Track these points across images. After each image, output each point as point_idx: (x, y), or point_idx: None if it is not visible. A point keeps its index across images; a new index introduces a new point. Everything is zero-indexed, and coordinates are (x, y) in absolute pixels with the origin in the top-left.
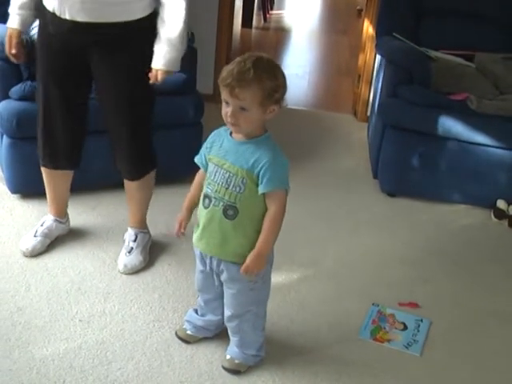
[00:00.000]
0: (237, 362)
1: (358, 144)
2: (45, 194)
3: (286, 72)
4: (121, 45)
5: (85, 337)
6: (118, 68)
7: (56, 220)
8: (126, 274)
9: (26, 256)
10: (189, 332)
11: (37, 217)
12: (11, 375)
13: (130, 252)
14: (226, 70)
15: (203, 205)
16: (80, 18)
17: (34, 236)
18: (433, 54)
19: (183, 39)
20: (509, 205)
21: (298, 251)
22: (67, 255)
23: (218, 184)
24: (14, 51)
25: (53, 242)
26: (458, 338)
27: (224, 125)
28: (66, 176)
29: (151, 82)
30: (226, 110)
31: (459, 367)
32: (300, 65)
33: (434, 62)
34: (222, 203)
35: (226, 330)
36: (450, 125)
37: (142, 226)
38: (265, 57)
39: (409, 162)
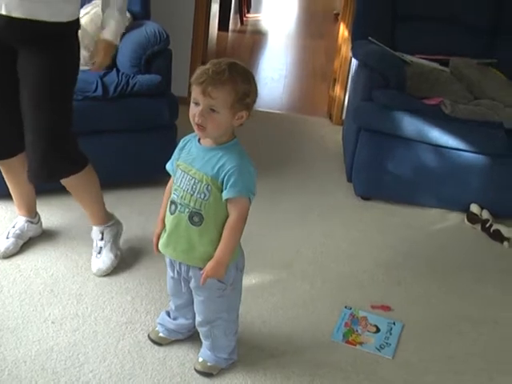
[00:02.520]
0: (209, 364)
1: (332, 147)
2: None
3: (261, 75)
4: (48, 45)
5: (57, 339)
6: (39, 67)
7: (27, 221)
8: (102, 276)
9: None
10: (161, 334)
11: (10, 218)
12: None
13: (99, 253)
14: (201, 70)
15: (169, 211)
16: (16, 14)
17: (6, 238)
18: (408, 58)
19: (125, 14)
20: (482, 209)
21: (270, 254)
22: (40, 257)
23: (184, 190)
24: None
25: (26, 244)
26: (430, 340)
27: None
28: (23, 171)
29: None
30: (195, 111)
31: (431, 370)
32: (276, 68)
33: (409, 66)
34: (187, 210)
35: (198, 332)
36: (425, 129)
37: (104, 221)
38: (239, 62)
39: (383, 166)
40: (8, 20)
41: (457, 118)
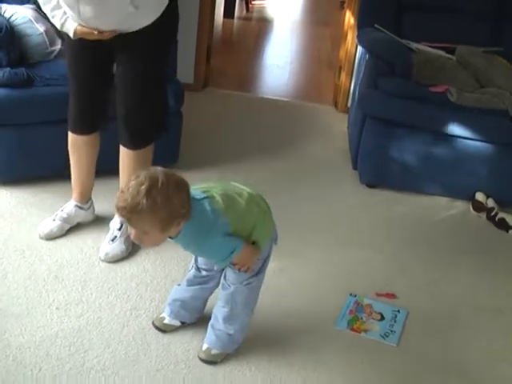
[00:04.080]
0: (213, 352)
1: (338, 135)
2: (23, 181)
3: (267, 62)
4: (144, 36)
5: (61, 325)
6: (137, 52)
7: (76, 206)
8: (107, 261)
9: (42, 239)
10: (166, 321)
11: (15, 204)
12: None
13: (113, 240)
14: (121, 198)
15: None
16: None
17: (53, 220)
18: (414, 46)
19: None
20: (487, 197)
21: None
22: (44, 243)
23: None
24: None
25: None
26: (434, 328)
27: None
28: (89, 152)
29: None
30: (130, 231)
31: (436, 357)
32: (281, 55)
33: (414, 54)
34: None
35: (202, 319)
36: (430, 117)
37: None
38: (160, 179)
39: (388, 154)
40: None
41: (463, 106)
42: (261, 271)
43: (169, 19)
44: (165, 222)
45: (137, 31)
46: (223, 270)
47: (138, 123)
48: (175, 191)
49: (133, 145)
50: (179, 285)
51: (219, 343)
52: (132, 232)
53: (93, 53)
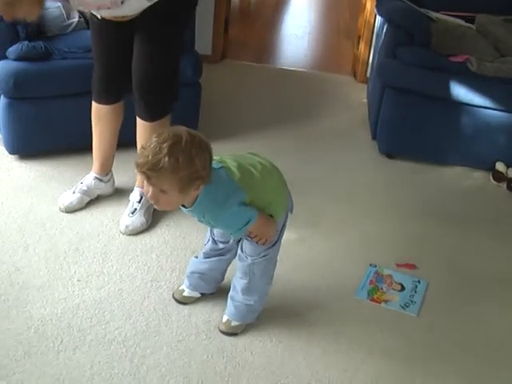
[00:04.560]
0: (233, 324)
1: (357, 105)
2: (43, 154)
3: (285, 32)
4: (160, 17)
5: (83, 296)
6: (153, 31)
7: (96, 178)
8: (127, 234)
9: (62, 211)
10: (185, 293)
11: (34, 177)
12: (9, 334)
13: (133, 213)
14: (142, 155)
15: None
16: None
17: (73, 193)
18: (433, 15)
19: None
20: (508, 167)
21: (295, 213)
22: (65, 216)
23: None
24: None
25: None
26: (455, 298)
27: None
28: (112, 122)
29: None
30: (147, 190)
31: (456, 328)
32: (300, 25)
33: (434, 23)
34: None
35: (222, 290)
36: (450, 87)
37: None
38: (184, 137)
39: (407, 124)
40: None
41: (483, 76)
42: (277, 241)
43: None
44: (184, 182)
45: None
46: (239, 241)
47: (153, 94)
48: (198, 151)
49: (149, 116)
50: (196, 257)
51: (239, 314)
52: (149, 190)
53: (116, 25)
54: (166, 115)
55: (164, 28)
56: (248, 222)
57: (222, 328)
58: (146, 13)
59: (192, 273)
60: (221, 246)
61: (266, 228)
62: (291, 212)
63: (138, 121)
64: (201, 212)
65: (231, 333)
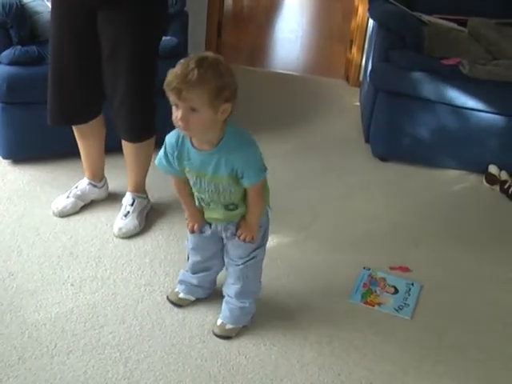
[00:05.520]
0: (228, 327)
1: (349, 109)
2: (36, 159)
3: (278, 36)
4: (130, 5)
5: (76, 301)
6: (123, 24)
7: (90, 183)
8: (121, 237)
9: (56, 216)
10: (181, 295)
11: (28, 182)
12: (3, 339)
13: (125, 216)
14: (171, 74)
15: (203, 205)
16: None
17: (67, 197)
18: (425, 18)
19: None
20: (500, 170)
21: (288, 215)
22: (58, 220)
23: (209, 191)
24: None
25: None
26: (448, 301)
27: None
28: (96, 134)
29: None
30: (176, 114)
31: (450, 331)
32: (292, 29)
33: (426, 26)
34: (220, 204)
35: (216, 293)
36: (442, 90)
37: (139, 191)
38: (210, 56)
39: (401, 127)
40: None
41: (475, 79)
42: (263, 242)
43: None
44: (215, 93)
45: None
46: (222, 254)
47: (137, 114)
48: (226, 70)
49: (135, 137)
50: (187, 271)
51: (233, 318)
52: (179, 113)
53: (78, 33)
54: (154, 133)
55: (135, 32)
56: (262, 170)
57: (217, 331)
58: (114, 13)
59: (183, 281)
60: (204, 264)
61: (256, 219)
62: (269, 207)
63: (124, 142)
64: (227, 151)
65: (225, 336)
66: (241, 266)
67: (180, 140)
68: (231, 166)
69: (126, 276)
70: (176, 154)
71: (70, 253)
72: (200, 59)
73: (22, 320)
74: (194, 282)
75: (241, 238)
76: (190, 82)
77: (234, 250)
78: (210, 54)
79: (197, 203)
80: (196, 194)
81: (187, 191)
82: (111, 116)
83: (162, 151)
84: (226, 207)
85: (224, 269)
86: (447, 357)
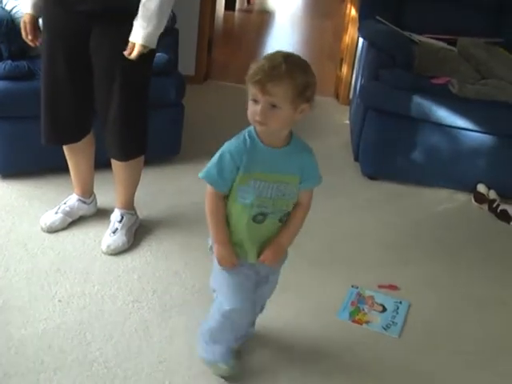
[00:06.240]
0: None
1: (339, 127)
2: (25, 174)
3: None
4: (122, 19)
5: (64, 317)
6: (115, 42)
7: (79, 200)
8: (109, 254)
9: (44, 231)
10: (231, 363)
11: (16, 197)
12: None
13: (114, 232)
14: (256, 66)
15: (254, 222)
16: None
17: (55, 213)
18: (416, 37)
19: (161, 15)
20: (489, 189)
21: None
22: (46, 236)
23: (273, 198)
24: (30, 37)
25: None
26: (436, 320)
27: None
28: (86, 152)
29: (126, 53)
30: (255, 109)
31: (438, 350)
32: (283, 48)
33: (416, 45)
34: (280, 214)
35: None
36: (432, 109)
37: (128, 208)
38: (295, 53)
39: (390, 146)
40: None
41: (464, 98)
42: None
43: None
44: (299, 90)
45: (116, 24)
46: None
47: (130, 130)
48: (310, 69)
49: (125, 156)
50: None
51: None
52: (258, 108)
53: (70, 53)
54: (144, 151)
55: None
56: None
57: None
58: (106, 32)
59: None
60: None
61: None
62: None
63: (113, 161)
64: (297, 149)
65: None
66: (276, 278)
67: (248, 142)
68: (301, 165)
69: (114, 292)
70: (245, 159)
71: (58, 269)
72: (287, 54)
73: (8, 335)
74: (235, 344)
75: (266, 261)
76: (277, 75)
77: (267, 291)
78: (294, 53)
79: (245, 221)
80: (254, 209)
81: (225, 211)
82: (102, 134)
83: (213, 162)
84: (281, 220)
85: None
86: (435, 376)
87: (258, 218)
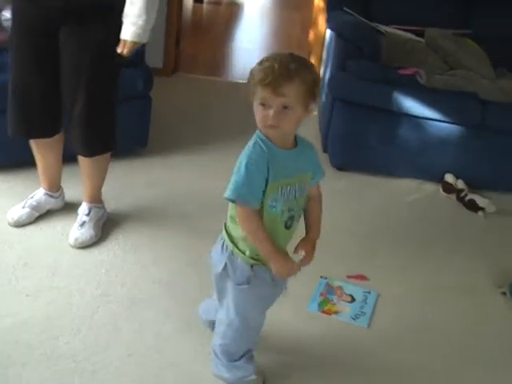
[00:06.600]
0: None
1: (307, 118)
2: (2, 167)
3: (237, 46)
4: (93, 17)
5: (32, 311)
6: (85, 39)
7: (46, 194)
8: (77, 247)
9: (11, 226)
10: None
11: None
12: None
13: (81, 225)
14: (264, 69)
15: (285, 227)
16: None
17: (22, 207)
18: (383, 28)
19: (150, 9)
20: (457, 179)
21: None
22: (14, 230)
23: (297, 198)
24: None
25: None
26: (405, 310)
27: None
28: (54, 147)
29: (119, 51)
30: (265, 113)
31: (406, 339)
32: (251, 39)
33: (384, 36)
34: (299, 212)
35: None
36: (399, 99)
37: (95, 201)
38: (293, 52)
39: (358, 137)
40: None
41: (432, 89)
42: None
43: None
44: (310, 87)
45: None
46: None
47: (97, 124)
48: (311, 63)
49: (90, 151)
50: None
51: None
52: (270, 112)
53: (39, 48)
54: (111, 148)
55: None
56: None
57: None
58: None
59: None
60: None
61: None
62: None
63: (80, 157)
64: (304, 147)
65: None
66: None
67: (265, 148)
68: (311, 161)
69: (82, 286)
70: (269, 167)
71: (25, 263)
72: (291, 54)
73: None
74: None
75: (307, 261)
76: (288, 75)
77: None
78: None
79: (281, 230)
80: (285, 213)
81: (263, 224)
82: (68, 128)
83: (240, 179)
84: (298, 220)
85: None
86: (404, 365)
87: (288, 223)
